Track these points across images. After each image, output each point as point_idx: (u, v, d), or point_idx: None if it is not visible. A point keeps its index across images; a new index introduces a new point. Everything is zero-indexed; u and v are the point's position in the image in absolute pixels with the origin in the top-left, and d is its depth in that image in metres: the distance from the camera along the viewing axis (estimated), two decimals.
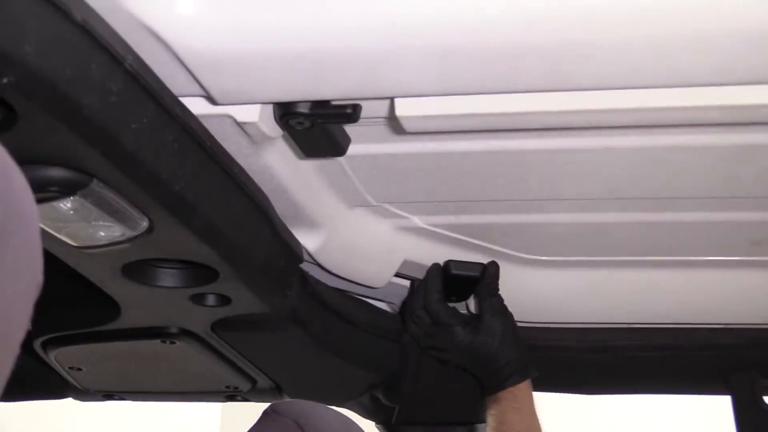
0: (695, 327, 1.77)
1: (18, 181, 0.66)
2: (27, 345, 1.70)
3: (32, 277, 0.66)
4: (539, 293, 1.78)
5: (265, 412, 1.56)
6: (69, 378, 1.88)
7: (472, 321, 1.74)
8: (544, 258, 1.68)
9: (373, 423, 2.04)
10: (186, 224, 1.18)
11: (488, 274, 1.70)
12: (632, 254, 1.66)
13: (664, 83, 1.09)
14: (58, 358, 1.74)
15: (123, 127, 1.00)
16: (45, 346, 1.70)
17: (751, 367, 1.76)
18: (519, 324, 1.79)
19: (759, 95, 1.09)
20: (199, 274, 1.36)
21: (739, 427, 1.75)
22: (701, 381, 1.84)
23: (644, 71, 1.06)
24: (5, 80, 0.85)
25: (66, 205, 1.08)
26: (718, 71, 1.06)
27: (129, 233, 1.18)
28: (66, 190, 1.05)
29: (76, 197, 1.07)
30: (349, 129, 1.29)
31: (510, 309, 1.75)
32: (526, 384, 1.77)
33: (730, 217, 1.52)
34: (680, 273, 1.70)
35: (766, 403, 1.74)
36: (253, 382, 1.84)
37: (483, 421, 1.88)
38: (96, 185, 1.06)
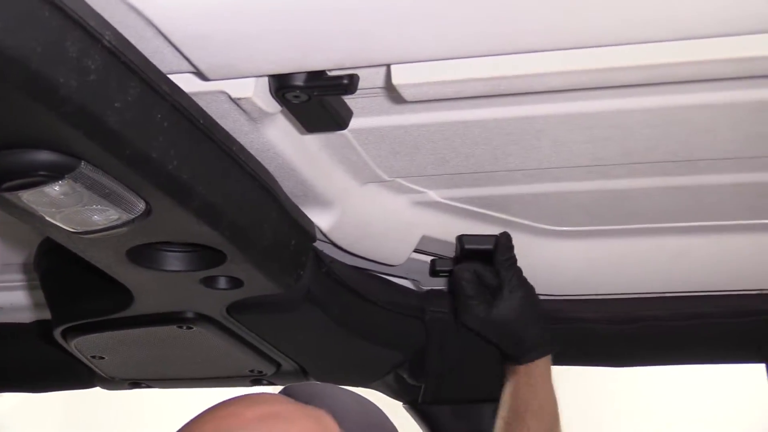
0: (726, 294, 1.72)
1: None
2: (49, 334, 1.70)
3: None
4: (561, 265, 1.73)
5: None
6: (94, 367, 1.88)
7: (491, 294, 1.70)
8: (564, 228, 1.63)
9: (400, 404, 2.01)
10: (184, 205, 1.15)
11: (501, 246, 1.65)
12: (655, 221, 1.61)
13: (675, 35, 1.03)
14: (79, 347, 1.73)
15: (105, 106, 0.96)
16: (65, 335, 1.68)
17: None
18: (541, 297, 1.74)
19: None
20: (206, 256, 1.34)
21: None
22: (734, 349, 1.79)
23: (651, 23, 1.01)
24: None
25: (56, 189, 1.05)
26: (729, 20, 1.01)
27: (126, 216, 1.15)
28: (54, 174, 1.02)
29: (66, 181, 1.04)
30: (352, 102, 1.25)
31: (531, 281, 1.70)
32: (543, 360, 1.74)
33: (756, 178, 1.47)
34: (707, 238, 1.65)
35: None
36: (277, 365, 1.82)
37: None
38: (85, 168, 1.03)
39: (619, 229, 1.63)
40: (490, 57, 1.08)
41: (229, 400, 1.28)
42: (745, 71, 1.12)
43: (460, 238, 1.67)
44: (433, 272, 1.77)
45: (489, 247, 1.66)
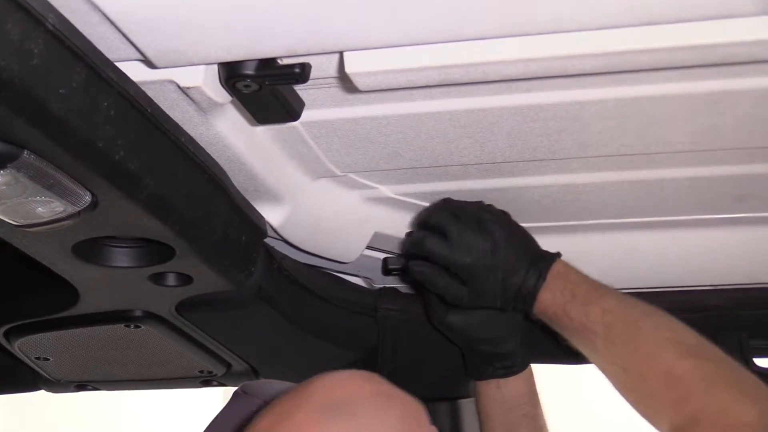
0: (679, 290, 1.72)
1: None
2: None
3: None
4: None
5: (235, 393, 1.51)
6: (39, 369, 1.85)
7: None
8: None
9: None
10: (131, 197, 1.12)
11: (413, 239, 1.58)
12: (609, 217, 1.60)
13: (630, 21, 1.02)
14: (22, 348, 1.71)
15: (49, 92, 0.93)
16: (7, 336, 1.66)
17: (740, 328, 1.70)
18: None
19: (730, 32, 1.03)
20: (154, 251, 1.31)
21: None
22: None
23: (605, 7, 1.00)
24: None
25: None
26: (687, 4, 1.00)
27: (71, 209, 1.12)
28: None
29: (7, 170, 1.01)
30: (304, 93, 1.23)
31: None
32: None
33: (710, 172, 1.46)
34: (662, 234, 1.65)
35: (756, 365, 1.69)
36: (228, 365, 1.80)
37: (467, 396, 1.83)
38: (28, 156, 1.00)
39: (573, 225, 1.62)
40: (444, 44, 1.06)
41: (334, 374, 1.24)
42: (700, 60, 1.11)
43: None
44: (386, 270, 1.75)
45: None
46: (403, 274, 1.72)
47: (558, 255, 1.53)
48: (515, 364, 1.64)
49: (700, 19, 1.02)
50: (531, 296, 1.49)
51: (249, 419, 1.23)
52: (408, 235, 1.63)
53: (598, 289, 1.47)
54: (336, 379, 1.20)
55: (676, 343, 1.36)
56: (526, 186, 1.52)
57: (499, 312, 1.57)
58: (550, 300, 1.48)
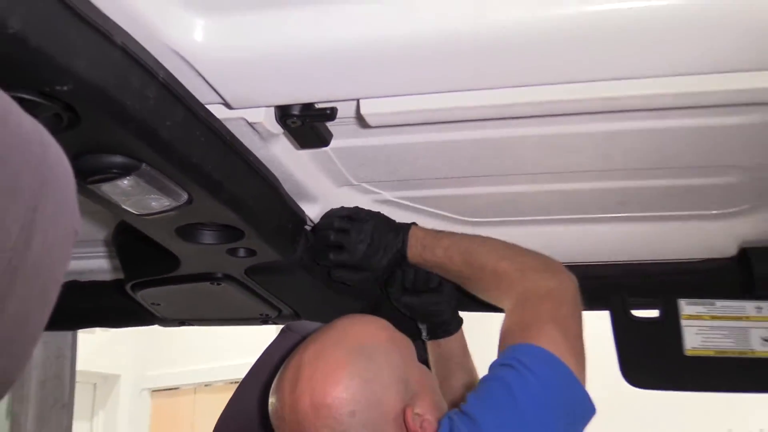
0: (583, 264, 1.69)
1: (53, 150, 0.57)
2: (123, 289, 1.65)
3: (69, 225, 0.58)
4: None
5: (282, 330, 1.50)
6: (153, 311, 1.83)
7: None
8: (475, 219, 1.59)
9: None
10: (216, 197, 1.11)
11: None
12: (538, 214, 1.58)
13: (554, 80, 1.01)
14: (143, 297, 1.68)
15: (160, 123, 0.93)
16: (133, 288, 1.63)
17: (621, 290, 1.69)
18: None
19: (617, 89, 1.01)
20: (231, 233, 1.29)
21: (615, 331, 1.68)
22: (589, 302, 1.76)
23: (531, 72, 0.98)
24: (65, 88, 0.78)
25: (125, 183, 1.01)
26: (594, 70, 0.99)
27: (174, 204, 1.11)
28: (124, 171, 0.99)
29: (132, 177, 1.00)
30: (332, 127, 1.21)
31: None
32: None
33: (603, 185, 1.44)
34: (573, 226, 1.62)
35: (633, 315, 1.68)
36: (279, 310, 1.77)
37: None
38: (145, 168, 0.99)
39: (513, 219, 1.60)
40: (430, 94, 1.05)
41: (359, 321, 1.21)
42: (597, 108, 1.10)
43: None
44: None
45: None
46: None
47: (413, 224, 1.49)
48: (451, 328, 1.58)
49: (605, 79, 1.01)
50: (401, 253, 1.46)
51: (293, 349, 1.21)
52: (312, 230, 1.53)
53: (438, 235, 1.45)
54: (360, 327, 1.19)
55: (494, 251, 1.36)
56: (481, 193, 1.49)
57: (437, 293, 1.52)
58: (413, 252, 1.45)
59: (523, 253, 1.35)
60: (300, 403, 1.08)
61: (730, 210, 1.52)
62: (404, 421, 1.10)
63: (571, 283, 1.27)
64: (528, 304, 1.21)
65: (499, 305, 1.33)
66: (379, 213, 1.49)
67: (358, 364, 1.10)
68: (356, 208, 1.49)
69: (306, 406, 1.08)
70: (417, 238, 1.45)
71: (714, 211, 1.53)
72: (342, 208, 1.49)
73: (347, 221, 1.45)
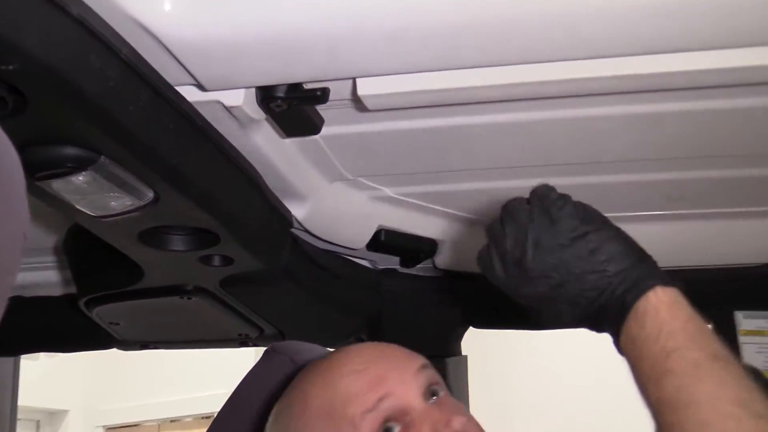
0: None
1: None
2: (75, 305, 1.67)
3: (16, 228, 0.59)
4: None
5: (266, 351, 1.50)
6: (111, 331, 1.85)
7: None
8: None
9: None
10: (186, 194, 1.13)
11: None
12: None
13: (580, 55, 1.02)
14: (99, 314, 1.70)
15: (121, 108, 0.94)
16: (87, 305, 1.65)
17: None
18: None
19: (658, 64, 1.02)
20: (203, 238, 1.31)
21: None
22: None
23: (559, 47, 1.00)
24: (11, 67, 0.80)
25: (80, 178, 1.03)
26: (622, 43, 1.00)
27: (137, 203, 1.13)
28: (79, 165, 1.00)
29: (88, 172, 1.01)
30: (323, 112, 1.22)
31: (463, 260, 1.66)
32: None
33: (644, 178, 1.45)
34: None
35: None
36: (260, 330, 1.79)
37: (455, 354, 1.83)
38: (104, 161, 1.00)
39: None
40: (437, 72, 1.06)
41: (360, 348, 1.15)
42: (633, 87, 1.11)
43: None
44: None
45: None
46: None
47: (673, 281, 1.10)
48: None
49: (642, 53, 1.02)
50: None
51: (287, 378, 1.22)
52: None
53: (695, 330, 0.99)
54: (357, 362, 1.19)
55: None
56: (498, 188, 1.49)
57: None
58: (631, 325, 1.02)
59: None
60: None
61: None
62: None
63: None
64: None
65: None
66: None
67: None
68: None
69: None
70: (656, 312, 1.00)
71: None
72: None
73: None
